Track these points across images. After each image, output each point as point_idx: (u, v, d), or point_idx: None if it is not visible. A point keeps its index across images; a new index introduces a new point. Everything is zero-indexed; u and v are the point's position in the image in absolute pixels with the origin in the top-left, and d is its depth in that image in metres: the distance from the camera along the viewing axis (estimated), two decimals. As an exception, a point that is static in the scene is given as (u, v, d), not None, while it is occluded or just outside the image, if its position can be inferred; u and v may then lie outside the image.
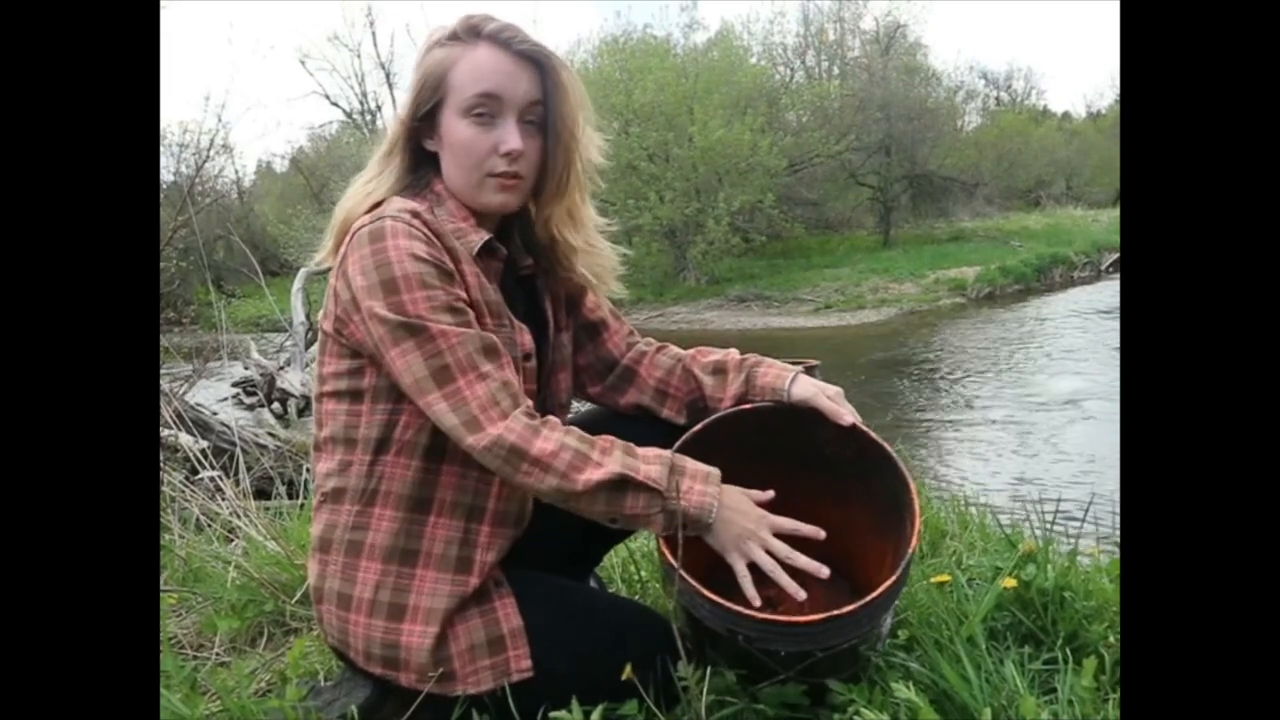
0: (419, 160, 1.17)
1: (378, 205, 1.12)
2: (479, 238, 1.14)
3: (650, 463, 1.06)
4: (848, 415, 1.17)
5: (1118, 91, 32.49)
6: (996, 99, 31.23)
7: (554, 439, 1.04)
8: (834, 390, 1.20)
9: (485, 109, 1.11)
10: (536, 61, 1.12)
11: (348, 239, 1.09)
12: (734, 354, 1.29)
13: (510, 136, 1.11)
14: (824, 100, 20.05)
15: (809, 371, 1.27)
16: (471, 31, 1.12)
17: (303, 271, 7.65)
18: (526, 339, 1.17)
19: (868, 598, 1.02)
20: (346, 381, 1.12)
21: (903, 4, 29.79)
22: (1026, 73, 38.37)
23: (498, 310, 1.14)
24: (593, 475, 1.03)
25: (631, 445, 1.09)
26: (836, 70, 23.73)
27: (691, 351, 1.33)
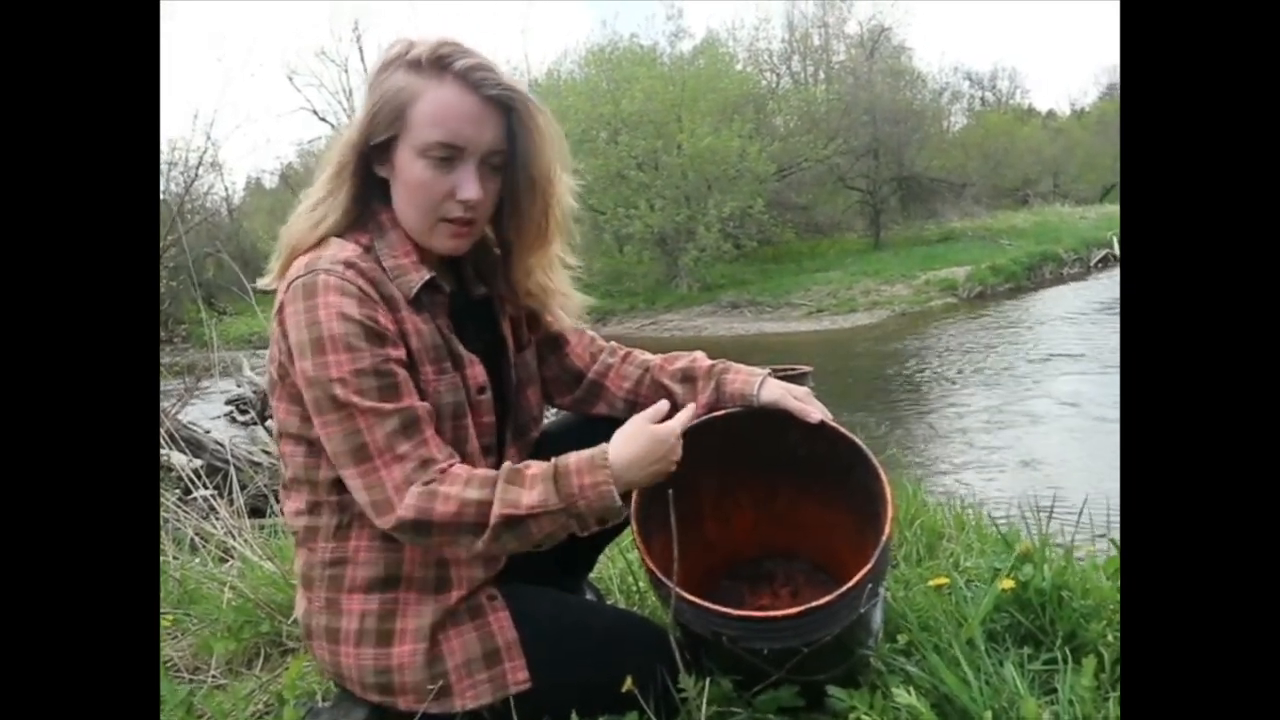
0: (368, 186, 1.12)
1: (322, 241, 1.09)
2: (419, 277, 1.10)
3: (532, 486, 1.03)
4: (815, 413, 1.17)
5: (1101, 89, 32.72)
6: (982, 99, 31.40)
7: (455, 496, 1.02)
8: (801, 391, 1.20)
9: (444, 154, 1.06)
10: (506, 106, 1.08)
11: (285, 287, 1.07)
12: (701, 360, 1.28)
13: (468, 184, 1.07)
14: (811, 105, 20.13)
15: (800, 377, 1.27)
16: (439, 64, 1.05)
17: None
18: (478, 371, 1.15)
19: (843, 588, 1.01)
20: (297, 425, 1.10)
21: (886, 7, 30.01)
22: (1010, 72, 38.73)
23: (439, 355, 1.11)
24: (489, 528, 1.02)
25: (520, 469, 1.05)
26: (822, 75, 23.84)
27: (658, 360, 1.31)
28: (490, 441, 1.18)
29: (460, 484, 1.03)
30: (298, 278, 1.05)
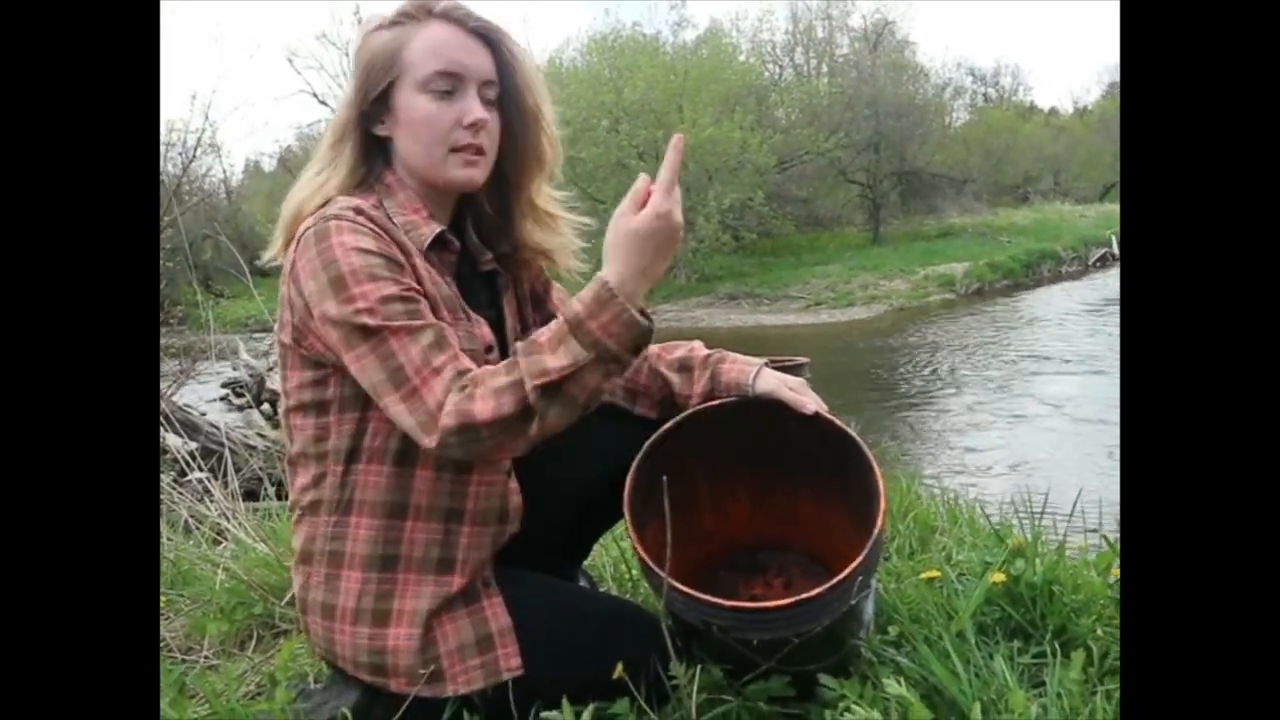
0: (369, 148, 1.14)
1: (326, 203, 1.10)
2: (430, 230, 1.12)
3: (554, 349, 0.99)
4: (810, 404, 1.16)
5: (1104, 87, 32.66)
6: (984, 95, 31.38)
7: (488, 393, 0.98)
8: (796, 381, 1.19)
9: (445, 85, 1.09)
10: (489, 40, 1.12)
11: (295, 243, 1.07)
12: (698, 349, 1.28)
13: (474, 107, 1.10)
14: (813, 98, 20.09)
15: (797, 368, 1.27)
16: (422, 10, 1.10)
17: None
18: (485, 331, 1.16)
19: (834, 579, 1.02)
20: (310, 393, 1.10)
21: (890, 1, 29.91)
22: (1014, 69, 38.70)
23: (452, 304, 1.12)
24: (532, 405, 0.98)
25: (533, 339, 1.01)
26: (825, 68, 23.78)
27: (656, 348, 1.30)
28: None
29: (486, 379, 1.00)
30: (308, 229, 1.05)
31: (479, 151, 1.12)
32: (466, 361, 1.04)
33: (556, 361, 0.98)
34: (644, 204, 1.02)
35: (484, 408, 0.98)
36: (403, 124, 1.11)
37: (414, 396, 1.01)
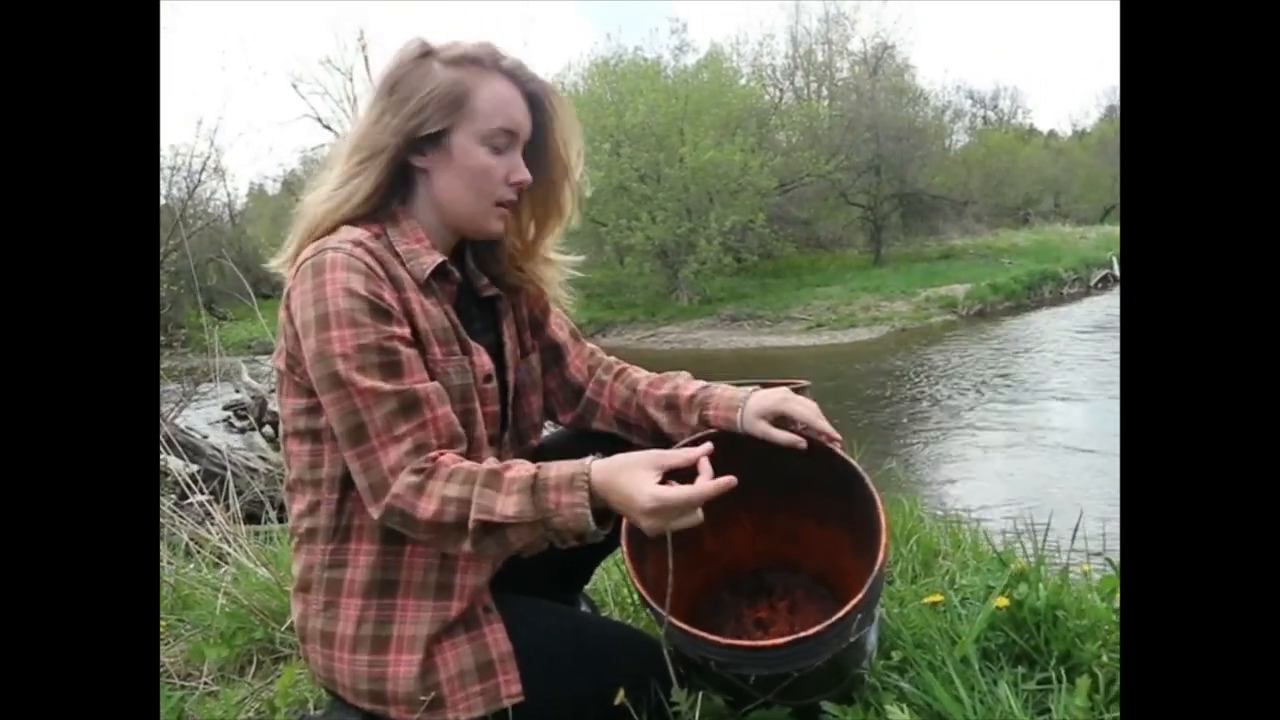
0: (396, 175, 1.13)
1: (334, 228, 1.10)
2: (432, 260, 1.12)
3: (509, 492, 1.00)
4: (803, 441, 1.15)
5: (1102, 110, 32.85)
6: (984, 118, 31.53)
7: (436, 494, 1.01)
8: (810, 407, 1.18)
9: (503, 141, 1.13)
10: (536, 100, 1.16)
11: (293, 271, 1.08)
12: (683, 387, 1.26)
13: (521, 169, 1.15)
14: (813, 121, 20.22)
15: (799, 391, 1.27)
16: (491, 60, 1.13)
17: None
18: (484, 360, 1.16)
19: (833, 617, 1.01)
20: (304, 420, 1.11)
21: (890, 25, 30.22)
22: (1012, 92, 39.01)
23: (447, 337, 1.12)
24: (469, 534, 1.01)
25: (499, 471, 1.02)
26: (825, 91, 23.93)
27: (645, 384, 1.30)
28: (495, 433, 1.19)
29: (443, 480, 1.02)
30: (306, 259, 1.07)
31: (513, 204, 1.17)
32: (432, 431, 1.05)
33: (506, 509, 1.00)
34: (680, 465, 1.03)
35: (427, 507, 1.01)
36: (455, 168, 1.13)
37: (369, 456, 1.03)
